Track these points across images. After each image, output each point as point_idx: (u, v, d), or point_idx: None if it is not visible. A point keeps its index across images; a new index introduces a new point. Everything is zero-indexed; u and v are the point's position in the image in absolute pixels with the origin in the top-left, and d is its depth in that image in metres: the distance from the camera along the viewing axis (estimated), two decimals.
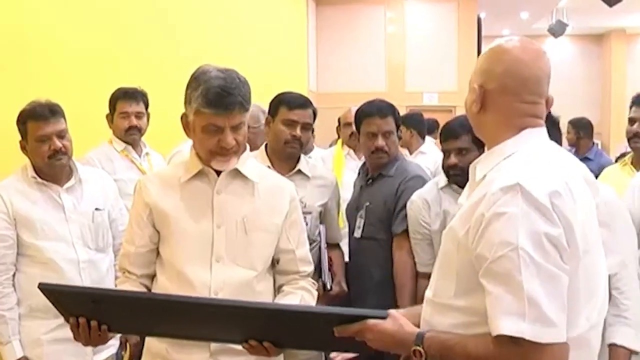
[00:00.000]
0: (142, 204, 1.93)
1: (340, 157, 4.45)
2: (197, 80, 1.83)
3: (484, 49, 1.72)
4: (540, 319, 1.25)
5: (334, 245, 2.88)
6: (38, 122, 2.46)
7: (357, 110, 2.93)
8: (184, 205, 1.90)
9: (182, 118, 1.91)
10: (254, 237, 1.91)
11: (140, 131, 3.41)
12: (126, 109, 3.35)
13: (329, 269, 2.73)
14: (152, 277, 1.96)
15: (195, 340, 1.84)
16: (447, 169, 2.62)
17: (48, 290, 1.63)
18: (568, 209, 1.33)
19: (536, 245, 1.27)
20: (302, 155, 2.73)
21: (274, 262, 2.01)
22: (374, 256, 2.82)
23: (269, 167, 2.60)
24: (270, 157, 2.67)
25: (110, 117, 3.42)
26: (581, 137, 5.59)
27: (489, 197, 1.33)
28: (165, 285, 1.89)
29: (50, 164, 2.49)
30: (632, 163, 3.00)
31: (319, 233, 2.73)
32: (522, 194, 1.30)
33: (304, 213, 2.63)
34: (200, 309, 1.62)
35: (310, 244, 2.64)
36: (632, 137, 2.95)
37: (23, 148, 2.54)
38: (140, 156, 3.43)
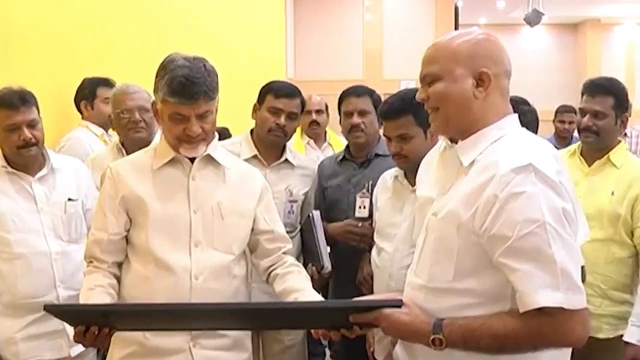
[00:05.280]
0: (115, 191, 1.93)
1: (300, 147, 4.33)
2: (164, 69, 1.85)
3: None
4: (572, 287, 1.32)
5: None
6: (7, 110, 2.38)
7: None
8: (158, 192, 1.91)
9: (152, 105, 1.94)
10: (230, 221, 1.94)
11: None
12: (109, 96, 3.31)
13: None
14: (120, 265, 1.96)
15: (202, 330, 1.87)
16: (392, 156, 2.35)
17: (54, 310, 1.69)
18: (568, 184, 1.41)
19: (557, 219, 1.33)
20: (287, 144, 2.73)
21: (253, 247, 2.04)
22: None
23: (255, 155, 2.61)
24: (257, 144, 2.67)
25: (89, 104, 3.47)
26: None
27: (499, 178, 1.36)
28: (141, 272, 1.89)
29: (20, 154, 2.41)
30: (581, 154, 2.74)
31: (312, 218, 2.65)
32: (536, 173, 1.35)
33: (290, 202, 2.67)
34: (217, 312, 1.66)
35: (294, 231, 2.65)
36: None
37: None
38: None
